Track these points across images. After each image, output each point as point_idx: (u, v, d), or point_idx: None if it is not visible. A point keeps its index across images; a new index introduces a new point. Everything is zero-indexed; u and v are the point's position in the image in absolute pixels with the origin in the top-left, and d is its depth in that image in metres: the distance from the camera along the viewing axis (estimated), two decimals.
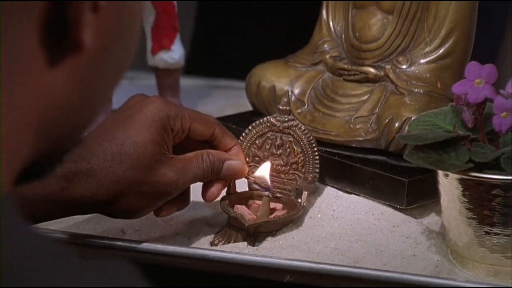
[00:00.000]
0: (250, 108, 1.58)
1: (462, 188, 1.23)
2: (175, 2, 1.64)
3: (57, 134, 0.85)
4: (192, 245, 1.32)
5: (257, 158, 1.41)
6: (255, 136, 1.40)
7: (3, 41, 0.80)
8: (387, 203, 1.39)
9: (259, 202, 1.35)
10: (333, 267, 1.26)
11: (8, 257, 0.75)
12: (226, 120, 1.54)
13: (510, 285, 1.26)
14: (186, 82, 1.69)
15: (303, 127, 1.39)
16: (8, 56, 0.78)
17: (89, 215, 1.39)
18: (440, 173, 1.25)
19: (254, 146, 1.40)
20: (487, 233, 1.23)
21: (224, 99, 1.72)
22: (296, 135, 1.39)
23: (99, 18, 0.80)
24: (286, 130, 1.39)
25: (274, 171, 1.41)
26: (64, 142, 0.87)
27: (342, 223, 1.37)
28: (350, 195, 1.42)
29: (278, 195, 1.37)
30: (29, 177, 0.86)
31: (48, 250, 0.78)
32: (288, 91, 1.51)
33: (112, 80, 0.89)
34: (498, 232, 1.23)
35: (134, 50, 0.90)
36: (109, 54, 0.84)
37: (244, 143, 1.41)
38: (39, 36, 0.78)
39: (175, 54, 1.64)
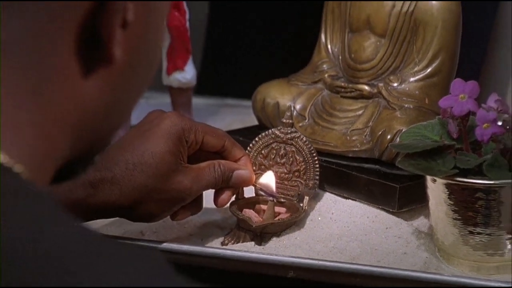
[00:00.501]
0: (255, 123, 1.58)
1: (448, 192, 1.24)
2: (188, 27, 1.62)
3: (90, 137, 0.85)
4: (205, 245, 1.32)
5: (263, 167, 1.41)
6: (261, 147, 1.41)
7: (45, 52, 0.79)
8: (380, 207, 1.40)
9: (265, 207, 1.35)
10: (332, 264, 1.27)
11: (55, 244, 0.73)
12: (234, 133, 1.52)
13: (491, 279, 1.25)
14: (197, 100, 1.68)
15: (304, 139, 1.39)
16: (48, 66, 0.78)
17: (111, 219, 1.39)
18: (429, 178, 1.26)
19: (260, 155, 1.41)
20: (470, 232, 1.24)
21: (231, 116, 1.71)
22: (298, 146, 1.39)
23: (128, 34, 0.80)
24: (289, 141, 1.40)
25: (278, 178, 1.41)
26: (95, 145, 0.87)
27: (340, 225, 1.37)
28: (347, 200, 1.42)
29: (282, 200, 1.38)
30: (62, 177, 0.85)
31: (91, 241, 0.76)
32: (290, 107, 1.51)
33: (137, 90, 0.89)
34: (481, 231, 1.24)
35: (157, 65, 0.91)
36: (135, 67, 0.84)
37: (251, 153, 1.42)
38: (75, 49, 0.78)
39: (188, 74, 1.63)
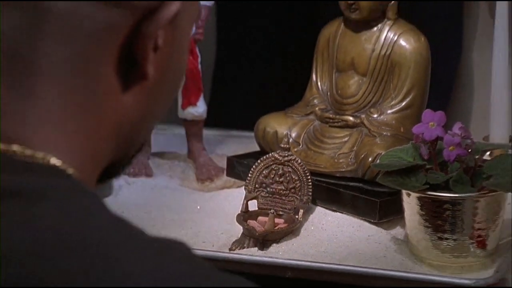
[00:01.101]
0: (257, 149, 1.55)
1: (420, 204, 1.27)
2: (199, 69, 1.61)
3: (128, 143, 0.86)
4: (215, 250, 1.32)
5: (264, 184, 1.42)
6: (262, 168, 1.42)
7: (91, 71, 0.80)
8: (363, 218, 1.40)
9: (266, 218, 1.36)
10: (323, 265, 1.29)
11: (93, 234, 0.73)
12: (240, 157, 1.56)
13: (456, 277, 1.27)
14: (206, 132, 1.65)
15: (299, 161, 1.41)
16: (93, 83, 0.79)
17: None
18: (404, 193, 1.29)
19: (262, 175, 1.42)
20: (439, 238, 1.27)
21: (236, 145, 1.69)
22: (294, 167, 1.41)
23: (158, 56, 0.80)
24: (286, 163, 1.41)
25: (277, 194, 1.41)
26: (131, 149, 0.87)
27: (329, 233, 1.38)
28: (335, 212, 1.43)
29: (281, 212, 1.39)
30: (105, 177, 0.86)
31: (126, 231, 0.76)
32: (287, 135, 1.50)
33: (166, 102, 0.89)
34: (448, 237, 1.27)
35: (180, 85, 0.93)
36: (165, 83, 0.85)
37: (254, 173, 1.43)
38: (116, 68, 0.80)
39: (199, 109, 1.62)
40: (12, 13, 0.79)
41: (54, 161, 0.76)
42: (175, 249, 0.74)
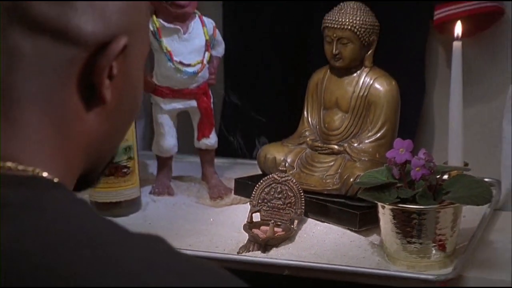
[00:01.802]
0: (259, 172, 1.55)
1: (393, 215, 1.28)
2: (212, 108, 1.61)
3: (96, 156, 0.86)
4: (226, 253, 1.33)
5: (265, 200, 1.42)
6: (264, 186, 1.43)
7: (59, 97, 0.80)
8: (346, 227, 1.41)
9: (267, 227, 1.37)
10: (314, 264, 1.30)
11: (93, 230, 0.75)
12: (246, 179, 1.56)
13: (421, 273, 1.27)
14: (217, 160, 1.67)
15: (294, 181, 1.42)
16: (62, 107, 0.80)
17: None
18: (379, 205, 1.29)
19: (264, 192, 1.43)
20: (408, 242, 1.27)
21: (240, 170, 1.69)
22: (290, 186, 1.42)
23: (114, 83, 0.81)
24: (283, 182, 1.42)
25: (276, 208, 1.42)
26: (100, 161, 0.88)
27: (318, 239, 1.39)
28: (323, 223, 1.44)
29: (279, 223, 1.39)
30: (83, 186, 0.87)
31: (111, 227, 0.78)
32: (284, 160, 1.51)
33: (126, 122, 0.89)
34: (415, 241, 1.27)
35: (138, 107, 0.90)
36: (122, 105, 0.85)
37: (257, 191, 1.43)
38: (79, 94, 0.80)
39: (212, 140, 1.62)
40: None
41: (42, 173, 0.78)
42: (156, 241, 0.75)
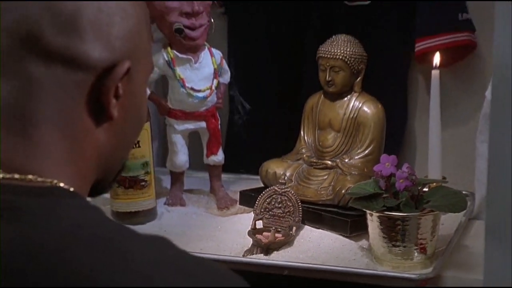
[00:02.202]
0: (260, 185, 1.55)
1: (379, 221, 1.28)
2: (219, 128, 1.60)
3: (105, 167, 0.86)
4: (233, 256, 1.34)
5: (267, 209, 1.42)
6: (266, 197, 1.43)
7: (72, 116, 0.80)
8: (339, 233, 1.41)
9: (269, 233, 1.37)
10: (310, 265, 1.31)
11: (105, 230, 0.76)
12: (249, 191, 1.55)
13: (405, 273, 1.27)
14: (223, 175, 1.66)
15: (292, 192, 1.43)
16: (75, 124, 0.80)
17: None
18: (368, 213, 1.29)
19: (266, 202, 1.43)
20: (393, 245, 1.27)
21: (244, 184, 1.67)
22: (289, 196, 1.42)
23: (120, 101, 0.81)
24: (283, 193, 1.42)
25: (276, 216, 1.41)
26: (111, 172, 0.88)
27: (314, 244, 1.39)
28: (318, 229, 1.43)
29: (279, 229, 1.39)
30: (95, 193, 0.87)
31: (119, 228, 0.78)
32: (283, 174, 1.51)
33: (132, 136, 0.89)
34: (399, 245, 1.27)
35: (143, 122, 0.89)
36: (128, 121, 0.85)
37: (260, 201, 1.43)
38: (89, 112, 0.80)
39: (219, 157, 1.61)
40: (10, 82, 0.78)
41: (59, 183, 0.78)
42: (162, 240, 0.76)
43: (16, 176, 0.77)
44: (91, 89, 0.80)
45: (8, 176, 0.77)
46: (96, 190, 0.87)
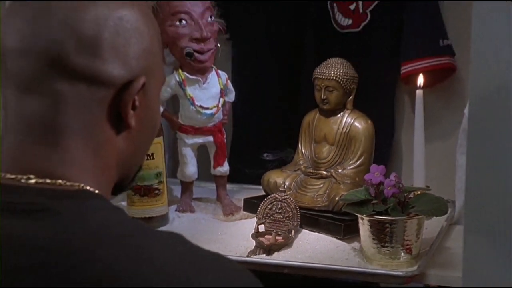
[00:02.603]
0: (262, 193, 1.54)
1: (370, 225, 1.28)
2: (225, 142, 1.59)
3: (126, 170, 0.88)
4: (238, 256, 1.33)
5: (268, 214, 1.42)
6: (268, 204, 1.43)
7: (95, 126, 0.81)
8: (333, 236, 1.41)
9: (270, 236, 1.38)
10: (307, 264, 1.31)
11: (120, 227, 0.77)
12: (253, 199, 1.54)
13: (393, 271, 1.27)
14: (228, 185, 1.65)
15: (291, 199, 1.43)
16: (97, 134, 0.82)
17: None
18: (359, 217, 1.29)
19: (267, 208, 1.42)
20: (382, 246, 1.27)
21: (246, 193, 1.67)
22: (288, 203, 1.42)
23: (136, 113, 0.83)
24: (283, 200, 1.42)
25: (277, 221, 1.40)
26: (130, 174, 0.90)
27: (311, 245, 1.39)
28: (315, 232, 1.43)
29: (280, 232, 1.39)
30: (117, 191, 0.89)
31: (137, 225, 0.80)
32: (283, 183, 1.51)
33: (147, 143, 0.90)
34: (387, 245, 1.27)
35: (157, 129, 0.91)
36: (143, 130, 0.86)
37: (262, 207, 1.42)
38: (109, 123, 0.82)
39: (225, 168, 1.60)
40: (40, 99, 0.79)
41: (85, 187, 0.80)
42: (176, 236, 0.78)
43: (48, 181, 0.79)
44: (111, 103, 0.81)
45: (40, 181, 0.79)
46: (117, 189, 0.89)
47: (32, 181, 0.78)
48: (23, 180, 0.78)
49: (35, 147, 0.80)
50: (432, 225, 1.43)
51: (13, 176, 0.78)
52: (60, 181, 0.79)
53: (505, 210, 1.03)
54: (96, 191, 0.81)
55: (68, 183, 0.79)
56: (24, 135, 0.80)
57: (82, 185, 0.80)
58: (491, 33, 1.01)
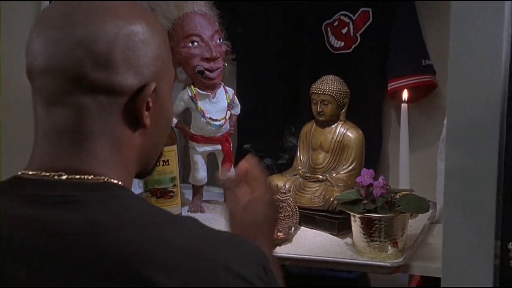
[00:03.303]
0: None
1: (361, 221, 1.30)
2: (232, 151, 1.60)
3: (142, 163, 0.90)
4: None
5: None
6: None
7: (115, 126, 0.83)
8: (328, 232, 1.44)
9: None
10: (306, 256, 1.34)
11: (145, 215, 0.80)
12: None
13: (381, 262, 1.29)
14: None
15: (291, 199, 1.45)
16: (118, 133, 0.84)
17: None
18: (351, 215, 1.32)
19: None
20: (371, 240, 1.30)
21: None
22: (288, 203, 1.44)
23: (151, 112, 0.85)
24: (284, 201, 1.44)
25: (279, 219, 1.38)
26: (145, 167, 0.91)
27: (309, 241, 1.42)
28: (312, 230, 1.46)
29: (281, 229, 1.40)
30: (140, 177, 0.92)
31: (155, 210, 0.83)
32: (284, 186, 1.52)
33: (161, 139, 0.92)
34: (376, 240, 1.30)
35: (170, 124, 0.93)
36: (157, 127, 0.88)
37: None
38: (127, 123, 0.84)
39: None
40: (65, 111, 0.82)
41: (110, 180, 0.83)
42: (192, 219, 0.83)
43: (77, 176, 0.83)
44: (128, 107, 0.84)
45: (70, 177, 0.83)
46: (142, 175, 0.92)
47: (64, 177, 0.82)
48: (56, 177, 0.82)
49: (65, 150, 0.83)
50: (416, 224, 1.46)
51: (47, 174, 0.82)
52: (88, 176, 0.82)
53: (480, 205, 1.09)
54: (120, 183, 0.83)
55: (94, 178, 0.82)
56: (54, 141, 0.83)
57: (107, 178, 0.83)
58: (468, 53, 1.06)
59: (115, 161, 0.84)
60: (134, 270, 0.73)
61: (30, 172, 0.83)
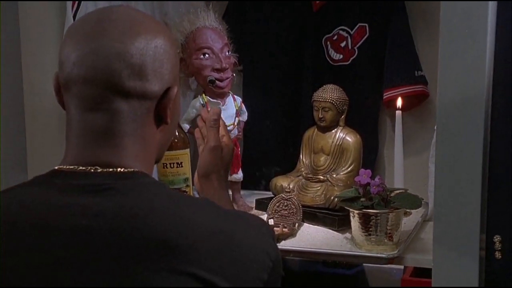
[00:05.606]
0: (271, 195, 1.53)
1: (359, 217, 1.32)
2: (239, 154, 1.61)
3: (159, 154, 0.95)
4: None
5: (276, 211, 1.45)
6: (275, 202, 1.47)
7: (143, 124, 0.87)
8: (329, 228, 1.46)
9: (278, 228, 1.41)
10: (309, 249, 1.36)
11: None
12: (263, 199, 1.57)
13: (378, 253, 1.31)
14: (241, 190, 1.62)
15: (296, 198, 1.47)
16: (145, 129, 0.88)
17: None
18: (351, 211, 1.33)
19: (275, 206, 1.46)
20: (369, 234, 1.31)
21: (257, 197, 1.63)
22: (292, 201, 1.46)
23: (171, 112, 0.91)
24: (288, 199, 1.47)
25: (284, 216, 1.44)
26: (159, 157, 0.96)
27: (311, 236, 1.44)
28: (314, 225, 1.48)
29: (286, 225, 1.43)
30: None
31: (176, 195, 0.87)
32: (288, 186, 1.54)
33: (174, 131, 0.99)
34: (373, 234, 1.31)
35: (179, 118, 0.98)
36: (172, 125, 0.95)
37: (271, 205, 1.46)
38: (153, 123, 0.90)
39: (239, 175, 1.63)
40: (102, 115, 0.86)
41: (137, 170, 0.87)
42: (210, 201, 0.88)
43: (110, 169, 0.87)
44: (155, 109, 0.89)
45: (104, 170, 0.87)
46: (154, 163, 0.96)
47: (98, 170, 0.86)
48: (92, 170, 0.86)
49: (99, 148, 0.87)
50: (410, 221, 1.49)
51: (84, 168, 0.87)
52: (119, 168, 0.87)
53: (467, 206, 1.13)
54: (145, 173, 0.89)
55: (125, 169, 0.87)
56: (89, 140, 0.87)
57: (134, 169, 0.88)
58: (455, 57, 1.11)
59: (141, 154, 0.89)
60: (172, 246, 0.78)
61: (66, 167, 0.87)
